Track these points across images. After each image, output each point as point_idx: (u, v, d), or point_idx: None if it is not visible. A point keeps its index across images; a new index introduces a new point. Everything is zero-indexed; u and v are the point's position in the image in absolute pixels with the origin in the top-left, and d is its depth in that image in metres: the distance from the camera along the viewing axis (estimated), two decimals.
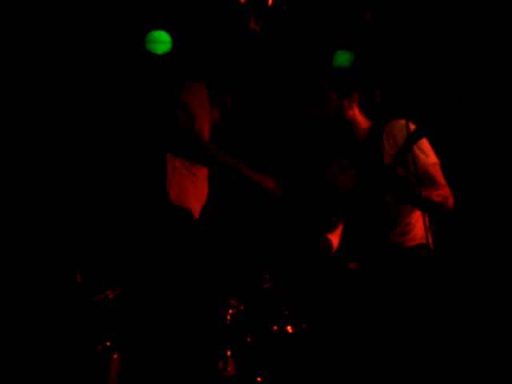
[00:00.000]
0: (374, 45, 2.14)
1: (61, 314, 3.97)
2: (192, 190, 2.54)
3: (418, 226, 2.79)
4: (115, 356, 3.74)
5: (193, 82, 2.63)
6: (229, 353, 3.52)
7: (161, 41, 4.14)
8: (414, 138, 2.45)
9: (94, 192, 4.16)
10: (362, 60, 4.13)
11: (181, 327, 2.41)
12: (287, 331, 4.01)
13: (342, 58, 4.26)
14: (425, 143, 2.71)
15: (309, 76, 2.99)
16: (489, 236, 4.13)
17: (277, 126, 4.59)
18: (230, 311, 3.72)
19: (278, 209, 2.58)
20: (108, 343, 3.84)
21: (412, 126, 2.53)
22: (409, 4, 3.85)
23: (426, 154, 2.71)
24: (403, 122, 2.64)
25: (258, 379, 3.67)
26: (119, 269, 3.44)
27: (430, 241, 2.70)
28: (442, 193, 2.67)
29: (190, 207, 2.51)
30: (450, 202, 2.69)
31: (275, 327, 4.03)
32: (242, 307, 3.81)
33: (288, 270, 4.30)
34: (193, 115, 2.49)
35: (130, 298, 3.13)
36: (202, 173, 2.60)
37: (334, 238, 3.02)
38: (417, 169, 2.49)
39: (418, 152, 2.63)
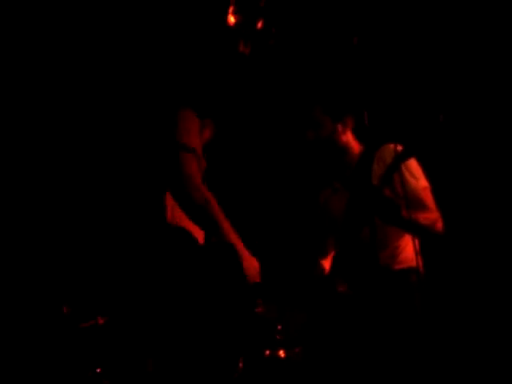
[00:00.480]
0: (362, 68, 2.15)
1: (49, 340, 3.93)
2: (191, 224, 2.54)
3: (407, 248, 2.79)
4: (106, 382, 3.71)
5: (188, 114, 2.61)
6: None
7: None
8: (400, 159, 2.46)
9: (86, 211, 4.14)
10: (352, 83, 4.15)
11: (174, 352, 2.39)
12: (280, 356, 3.97)
13: None
14: (415, 167, 2.73)
15: (302, 100, 3.02)
16: (479, 259, 4.13)
17: (270, 150, 4.60)
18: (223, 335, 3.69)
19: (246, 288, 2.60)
20: (99, 370, 3.81)
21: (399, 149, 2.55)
22: (396, 27, 3.89)
23: (416, 177, 2.73)
24: (392, 146, 2.67)
25: None
26: (111, 293, 3.42)
27: (420, 264, 2.69)
28: (431, 216, 2.68)
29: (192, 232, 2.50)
30: (439, 225, 2.70)
31: (268, 351, 4.00)
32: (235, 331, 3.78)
33: (281, 295, 4.28)
34: (199, 156, 2.50)
35: (122, 324, 3.11)
36: None
37: (326, 263, 3.03)
38: (406, 192, 2.49)
39: (407, 175, 2.65)
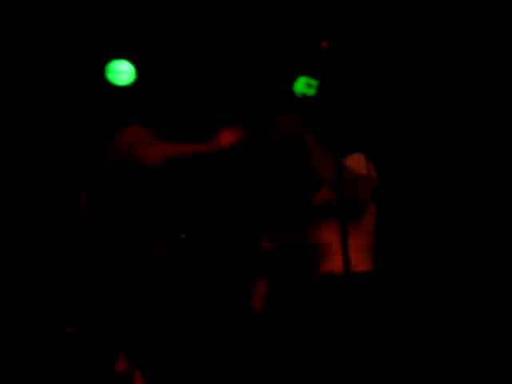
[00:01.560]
0: (331, 75, 2.15)
1: (37, 345, 3.91)
2: None
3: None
4: None
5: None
6: None
7: (122, 71, 4.08)
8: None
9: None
10: (320, 92, 4.18)
11: (157, 357, 2.40)
12: None
13: (304, 85, 4.29)
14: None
15: (268, 108, 3.03)
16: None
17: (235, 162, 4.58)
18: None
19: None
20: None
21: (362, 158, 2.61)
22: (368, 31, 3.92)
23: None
24: (359, 155, 2.75)
25: None
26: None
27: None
28: None
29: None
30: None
31: None
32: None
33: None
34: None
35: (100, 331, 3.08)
36: None
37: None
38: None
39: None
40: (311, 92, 4.25)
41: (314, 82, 4.34)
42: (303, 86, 4.27)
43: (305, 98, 4.15)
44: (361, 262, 2.70)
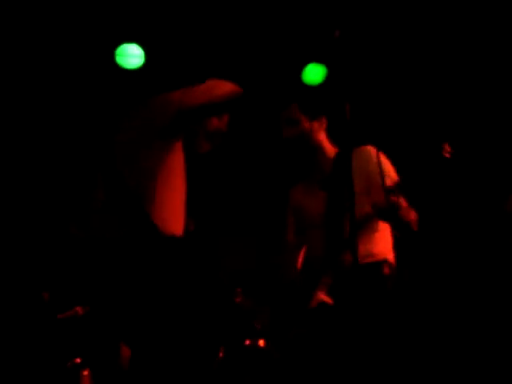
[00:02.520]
0: (342, 65, 2.15)
1: (29, 331, 3.93)
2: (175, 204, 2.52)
3: (380, 242, 2.84)
4: (85, 373, 3.72)
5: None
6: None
7: (132, 55, 4.08)
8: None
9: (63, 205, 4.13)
10: (331, 82, 4.19)
11: (155, 344, 2.40)
12: (259, 345, 4.02)
13: (314, 73, 4.29)
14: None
15: (278, 97, 3.04)
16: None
17: (244, 146, 4.60)
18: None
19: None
20: (78, 360, 3.81)
21: (373, 151, 2.62)
22: (380, 24, 3.91)
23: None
24: (370, 148, 2.75)
25: None
26: (90, 284, 3.41)
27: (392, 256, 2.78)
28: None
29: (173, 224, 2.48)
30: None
31: (248, 341, 4.05)
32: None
33: (260, 285, 4.32)
34: None
35: (102, 314, 3.09)
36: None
37: (297, 260, 3.06)
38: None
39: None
40: (320, 80, 4.27)
41: (323, 70, 4.35)
42: (312, 73, 4.28)
43: (314, 85, 4.17)
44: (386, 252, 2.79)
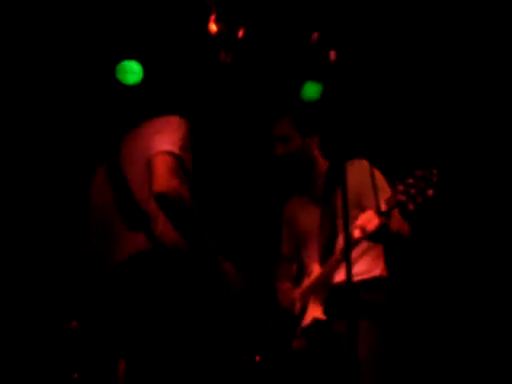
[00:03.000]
0: (336, 80, 2.19)
1: (28, 344, 3.93)
2: None
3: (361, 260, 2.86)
4: None
5: (180, 122, 2.59)
6: None
7: (131, 71, 4.16)
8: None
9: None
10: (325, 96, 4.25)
11: (160, 357, 2.40)
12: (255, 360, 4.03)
13: (311, 90, 4.36)
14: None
15: (273, 113, 3.08)
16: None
17: (238, 161, 4.65)
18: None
19: (232, 301, 2.62)
20: (75, 375, 3.81)
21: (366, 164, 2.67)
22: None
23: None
24: (363, 161, 2.80)
25: None
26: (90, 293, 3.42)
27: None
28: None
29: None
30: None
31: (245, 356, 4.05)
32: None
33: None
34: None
35: (100, 327, 3.09)
36: None
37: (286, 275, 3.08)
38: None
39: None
40: (316, 96, 4.33)
41: (319, 87, 4.41)
42: (309, 90, 4.34)
43: (310, 102, 4.22)
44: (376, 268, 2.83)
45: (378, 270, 2.84)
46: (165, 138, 2.45)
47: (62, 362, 3.83)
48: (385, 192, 2.67)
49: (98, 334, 3.77)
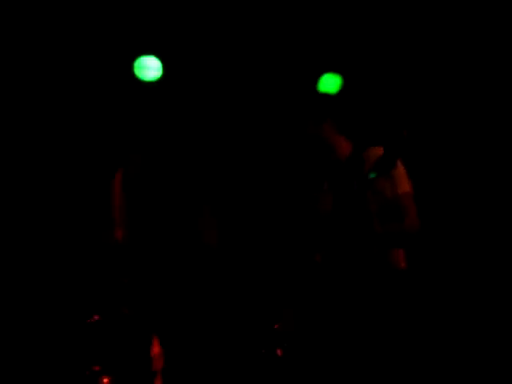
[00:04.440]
0: (353, 71, 2.18)
1: (51, 335, 3.98)
2: None
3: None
4: (105, 380, 3.74)
5: None
6: None
7: (150, 67, 4.15)
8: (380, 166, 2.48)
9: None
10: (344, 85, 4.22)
11: (176, 351, 2.42)
12: (277, 354, 4.02)
13: (330, 83, 4.32)
14: (398, 171, 2.74)
15: (293, 99, 3.05)
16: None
17: (259, 148, 4.63)
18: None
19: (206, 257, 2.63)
20: (97, 368, 3.84)
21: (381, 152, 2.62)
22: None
23: (396, 183, 2.73)
24: (379, 149, 2.72)
25: None
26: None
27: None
28: (406, 226, 2.70)
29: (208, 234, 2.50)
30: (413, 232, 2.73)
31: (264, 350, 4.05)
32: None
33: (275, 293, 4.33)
34: None
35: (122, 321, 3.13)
36: None
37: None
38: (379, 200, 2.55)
39: (383, 182, 2.66)
40: (336, 90, 4.29)
41: (339, 80, 4.37)
42: (328, 83, 4.31)
43: (328, 95, 4.18)
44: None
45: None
46: None
47: (84, 356, 3.86)
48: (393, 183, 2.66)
49: (120, 328, 3.80)
